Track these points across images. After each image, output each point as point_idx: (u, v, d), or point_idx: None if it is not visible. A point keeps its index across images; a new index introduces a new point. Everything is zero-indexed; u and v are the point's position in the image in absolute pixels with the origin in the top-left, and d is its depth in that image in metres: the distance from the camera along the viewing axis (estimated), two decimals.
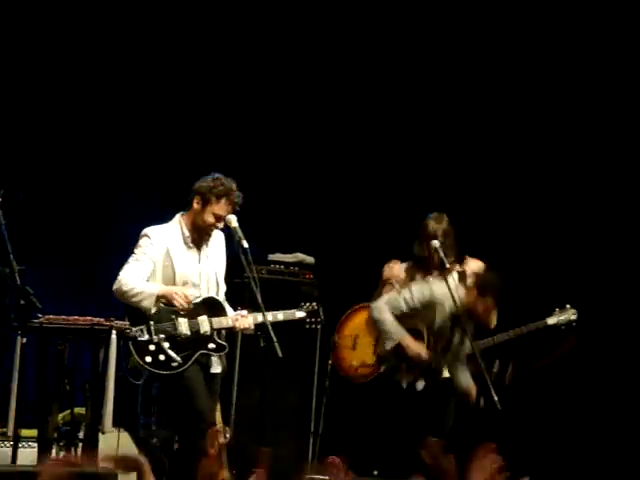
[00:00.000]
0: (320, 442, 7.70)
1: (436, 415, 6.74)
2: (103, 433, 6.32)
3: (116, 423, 6.47)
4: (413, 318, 6.84)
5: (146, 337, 5.99)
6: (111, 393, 5.91)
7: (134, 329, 5.99)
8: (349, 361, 7.06)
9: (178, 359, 6.03)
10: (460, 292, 6.66)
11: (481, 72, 8.61)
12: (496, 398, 6.54)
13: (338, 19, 8.69)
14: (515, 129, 8.55)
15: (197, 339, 6.12)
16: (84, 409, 6.21)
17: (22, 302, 5.66)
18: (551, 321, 6.86)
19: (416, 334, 6.83)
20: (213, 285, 6.30)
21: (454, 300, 6.55)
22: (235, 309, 6.39)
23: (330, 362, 7.43)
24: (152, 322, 6.02)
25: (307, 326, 6.56)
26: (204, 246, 6.27)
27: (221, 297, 6.34)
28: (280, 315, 6.38)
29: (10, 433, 5.81)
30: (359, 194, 8.61)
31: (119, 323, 6.00)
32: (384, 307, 6.86)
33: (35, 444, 6.12)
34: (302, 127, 8.75)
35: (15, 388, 5.67)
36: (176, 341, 6.05)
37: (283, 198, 8.64)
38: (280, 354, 6.02)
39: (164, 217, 6.46)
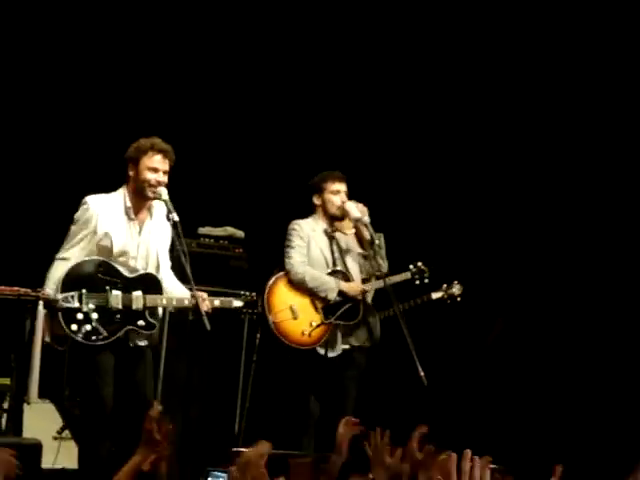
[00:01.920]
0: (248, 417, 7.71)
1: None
2: (28, 404, 6.28)
3: (42, 394, 6.44)
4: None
5: (76, 304, 5.90)
6: (37, 364, 5.86)
7: (65, 295, 5.89)
8: (298, 331, 6.93)
9: (104, 332, 5.96)
10: None
11: (474, 72, 8.66)
12: (422, 373, 6.62)
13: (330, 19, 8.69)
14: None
15: (127, 314, 6.04)
16: (9, 380, 6.16)
17: None
18: (436, 295, 7.12)
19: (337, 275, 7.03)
20: (153, 260, 6.20)
21: None
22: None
23: (258, 336, 7.41)
24: (85, 290, 5.93)
25: (242, 316, 6.54)
26: (147, 219, 6.20)
27: (163, 274, 6.25)
28: (217, 301, 6.32)
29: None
30: (289, 167, 8.60)
31: (47, 292, 5.94)
32: (298, 265, 6.94)
33: None
34: (234, 94, 8.73)
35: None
36: (105, 313, 5.99)
37: (213, 171, 8.62)
38: (208, 327, 6.01)
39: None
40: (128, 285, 6.07)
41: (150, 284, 6.12)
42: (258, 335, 7.45)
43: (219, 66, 8.72)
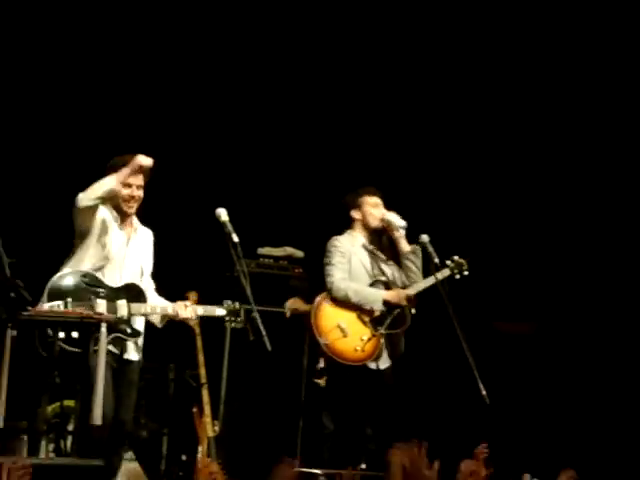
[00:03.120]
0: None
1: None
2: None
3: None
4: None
5: None
6: (101, 385, 5.89)
7: (51, 304, 5.96)
8: (351, 348, 6.92)
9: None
10: None
11: (473, 73, 8.67)
12: (484, 392, 6.58)
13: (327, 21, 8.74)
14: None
15: (113, 323, 6.06)
16: (73, 402, 6.23)
17: (12, 295, 5.66)
18: (442, 275, 6.99)
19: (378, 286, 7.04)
20: (137, 272, 6.31)
21: None
22: (174, 301, 6.38)
23: (321, 365, 7.39)
24: (70, 299, 6.00)
25: (226, 324, 6.54)
26: (133, 232, 6.33)
27: (145, 285, 6.32)
28: (200, 310, 6.37)
29: (0, 425, 5.81)
30: (348, 186, 8.63)
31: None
32: (339, 281, 6.95)
33: (25, 436, 6.13)
34: (294, 122, 8.78)
35: (4, 381, 5.66)
36: None
37: (273, 192, 8.67)
38: (269, 347, 6.03)
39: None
40: (112, 294, 6.14)
41: (134, 293, 6.20)
42: (321, 365, 7.45)
43: (280, 97, 8.80)
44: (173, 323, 6.46)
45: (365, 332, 6.95)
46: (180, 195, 8.64)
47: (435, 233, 7.03)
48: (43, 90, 8.38)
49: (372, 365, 6.92)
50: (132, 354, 6.24)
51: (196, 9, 8.68)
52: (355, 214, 7.15)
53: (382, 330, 6.94)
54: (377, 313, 6.96)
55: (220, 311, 6.46)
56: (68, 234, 7.77)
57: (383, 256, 7.15)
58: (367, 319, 6.97)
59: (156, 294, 6.44)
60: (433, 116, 8.79)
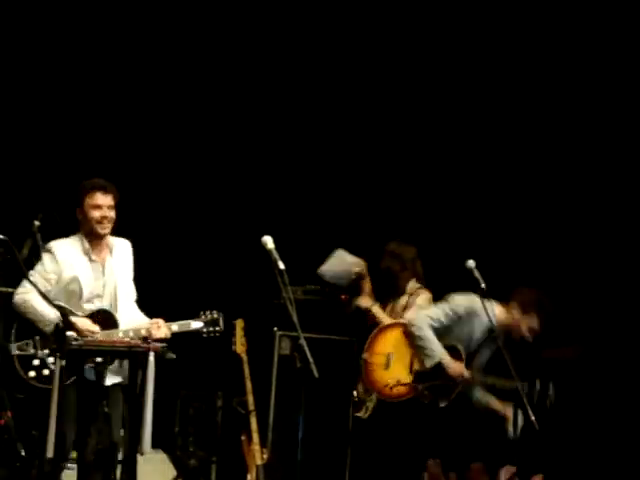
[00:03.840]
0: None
1: (454, 434, 6.78)
2: (142, 454, 6.35)
3: (154, 444, 6.50)
4: (450, 333, 6.87)
5: (31, 351, 5.96)
6: (149, 415, 5.91)
7: (19, 343, 5.95)
8: (383, 381, 6.95)
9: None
10: (495, 309, 6.70)
11: (471, 75, 8.68)
12: (534, 417, 6.52)
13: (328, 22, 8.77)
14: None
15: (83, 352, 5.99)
16: (122, 431, 6.24)
17: (60, 325, 5.70)
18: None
19: (451, 351, 6.90)
20: (112, 298, 6.26)
21: (489, 316, 6.58)
22: (150, 318, 6.31)
23: (357, 397, 7.39)
24: (38, 337, 5.99)
25: (205, 335, 6.43)
26: (108, 257, 6.29)
27: (124, 307, 6.27)
28: (174, 326, 6.27)
29: (50, 455, 5.83)
30: (395, 219, 8.65)
31: (157, 345, 6.02)
32: (424, 322, 6.89)
33: (74, 466, 6.16)
34: (344, 152, 8.84)
35: (54, 410, 5.69)
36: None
37: (319, 220, 8.69)
38: (316, 375, 6.01)
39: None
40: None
41: (104, 320, 6.15)
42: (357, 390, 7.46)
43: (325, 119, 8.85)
44: (220, 351, 6.46)
45: (405, 377, 6.94)
46: (227, 223, 8.68)
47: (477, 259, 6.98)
48: (61, 109, 8.48)
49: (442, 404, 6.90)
50: (112, 378, 6.13)
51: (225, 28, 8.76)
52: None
53: (419, 388, 6.89)
54: (427, 368, 6.88)
55: (196, 324, 6.36)
56: None
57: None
58: (415, 368, 6.93)
59: (135, 308, 6.37)
60: (473, 146, 8.78)
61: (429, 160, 8.86)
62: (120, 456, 6.19)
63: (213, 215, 8.75)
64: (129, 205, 6.45)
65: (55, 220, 7.04)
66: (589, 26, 8.30)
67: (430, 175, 8.86)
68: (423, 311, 7.01)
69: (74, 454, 6.14)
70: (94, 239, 6.25)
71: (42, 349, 6.01)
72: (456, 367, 6.85)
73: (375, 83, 8.84)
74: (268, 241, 6.22)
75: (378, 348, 6.99)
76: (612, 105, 8.42)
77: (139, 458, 6.24)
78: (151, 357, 5.91)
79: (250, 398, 7.23)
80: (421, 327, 6.88)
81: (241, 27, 8.80)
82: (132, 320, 6.29)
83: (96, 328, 6.05)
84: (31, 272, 6.11)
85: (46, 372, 5.99)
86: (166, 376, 6.16)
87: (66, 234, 6.34)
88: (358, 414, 7.54)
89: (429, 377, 6.88)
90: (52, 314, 5.90)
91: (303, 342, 6.11)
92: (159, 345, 6.01)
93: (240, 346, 7.18)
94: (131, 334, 6.15)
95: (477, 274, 6.80)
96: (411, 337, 6.90)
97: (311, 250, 8.45)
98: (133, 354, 5.96)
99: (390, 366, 6.92)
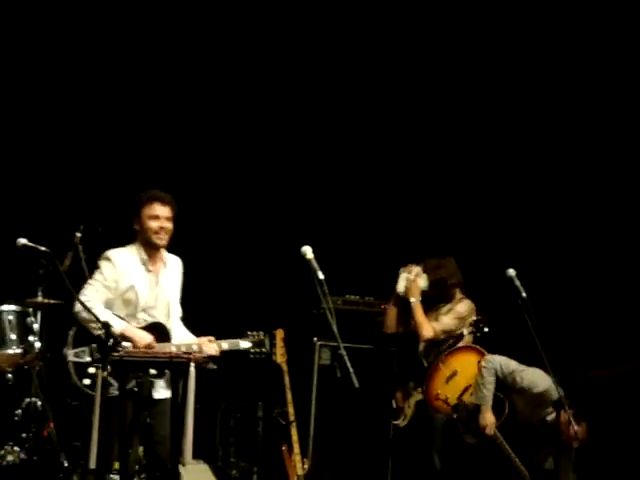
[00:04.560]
0: None
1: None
2: (184, 465, 6.37)
3: (196, 455, 6.52)
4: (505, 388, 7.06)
5: (87, 359, 5.95)
6: (191, 425, 5.93)
7: (75, 350, 5.96)
8: (436, 389, 7.13)
9: (114, 383, 5.88)
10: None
11: (476, 75, 8.67)
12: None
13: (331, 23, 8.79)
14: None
15: (137, 364, 5.99)
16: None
17: (102, 335, 5.73)
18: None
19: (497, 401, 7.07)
20: (165, 311, 6.28)
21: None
22: (198, 336, 6.33)
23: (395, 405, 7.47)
24: (94, 345, 5.97)
25: (252, 356, 6.46)
26: (162, 269, 6.31)
27: (173, 323, 6.30)
28: (224, 344, 6.29)
29: (92, 466, 5.86)
30: (431, 230, 8.65)
31: (198, 355, 6.03)
32: (496, 366, 7.07)
33: (117, 477, 6.18)
34: (384, 166, 8.87)
35: (97, 421, 5.71)
36: (116, 365, 5.88)
37: (358, 231, 8.71)
38: (357, 384, 6.00)
39: None
40: None
41: (159, 333, 6.17)
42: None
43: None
44: (261, 362, 6.47)
45: (453, 396, 7.09)
46: (267, 234, 8.70)
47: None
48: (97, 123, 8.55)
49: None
50: (161, 393, 6.16)
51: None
52: None
53: (453, 415, 7.07)
54: (472, 402, 6.99)
55: (245, 344, 6.39)
56: None
57: None
58: (468, 398, 7.06)
59: (182, 325, 6.41)
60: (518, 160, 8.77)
61: (465, 173, 8.86)
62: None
63: (253, 225, 8.78)
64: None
65: (96, 231, 7.08)
66: (589, 26, 8.27)
67: (466, 186, 8.85)
68: (504, 358, 7.15)
69: (116, 465, 6.16)
70: (150, 250, 6.28)
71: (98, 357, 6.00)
72: (488, 420, 7.02)
73: (402, 97, 8.86)
74: (307, 251, 6.22)
75: (453, 362, 7.23)
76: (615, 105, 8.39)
77: (181, 469, 6.26)
78: (192, 368, 5.93)
79: (291, 408, 7.23)
80: (490, 370, 7.06)
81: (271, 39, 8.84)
82: (180, 336, 6.34)
83: (153, 342, 6.06)
84: (90, 281, 6.14)
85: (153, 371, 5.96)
86: (207, 387, 6.18)
87: (107, 246, 6.38)
88: (396, 422, 7.57)
89: (467, 412, 7.01)
90: (118, 324, 5.96)
91: (343, 352, 6.11)
92: (200, 356, 6.03)
93: (280, 356, 7.20)
94: (183, 349, 6.17)
95: (517, 282, 6.78)
96: (479, 372, 7.09)
97: (351, 260, 8.46)
98: (174, 365, 5.97)
99: (449, 382, 7.02)
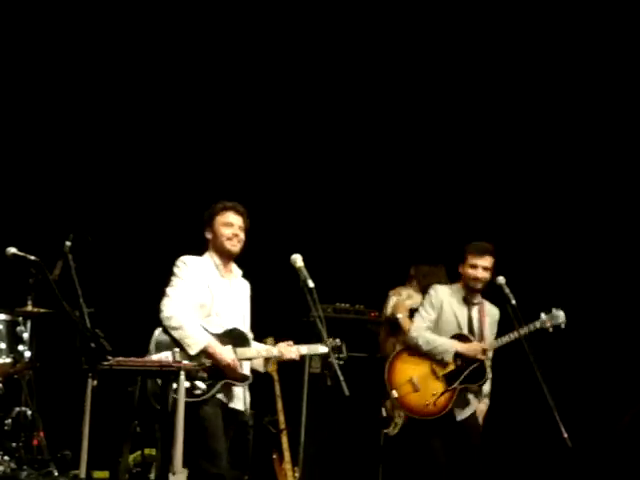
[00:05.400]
0: None
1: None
2: (174, 474, 6.36)
3: (186, 463, 6.51)
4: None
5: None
6: (181, 433, 5.91)
7: (159, 355, 5.95)
8: (421, 403, 6.93)
9: (203, 386, 5.99)
10: None
11: (479, 74, 8.68)
12: (566, 435, 6.49)
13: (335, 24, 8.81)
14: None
15: (220, 369, 6.07)
16: (154, 450, 6.26)
17: (92, 345, 5.72)
18: (539, 324, 6.86)
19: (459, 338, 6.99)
20: (240, 317, 6.31)
21: None
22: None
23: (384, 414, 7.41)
24: (177, 350, 6.00)
25: (330, 361, 6.46)
26: (233, 278, 6.34)
27: (246, 329, 6.32)
28: (303, 349, 6.33)
29: (83, 475, 5.86)
30: (420, 238, 8.66)
31: (188, 364, 6.03)
32: (420, 328, 6.97)
33: None
34: (371, 174, 8.88)
35: (86, 430, 5.72)
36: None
37: (348, 239, 8.71)
38: (347, 393, 6.01)
39: None
40: (218, 340, 6.11)
41: (238, 338, 6.18)
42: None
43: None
44: (251, 370, 6.47)
45: (437, 387, 6.92)
46: (256, 242, 8.69)
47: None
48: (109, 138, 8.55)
49: (458, 416, 6.90)
50: (238, 404, 6.19)
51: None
52: (460, 269, 7.07)
53: (456, 385, 6.89)
54: (452, 367, 6.90)
55: (323, 349, 6.40)
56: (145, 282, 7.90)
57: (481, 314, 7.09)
58: (441, 374, 6.93)
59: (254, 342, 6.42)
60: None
61: (455, 180, 8.88)
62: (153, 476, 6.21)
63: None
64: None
65: (86, 240, 7.07)
66: (589, 26, 8.30)
67: (456, 193, 8.87)
68: (415, 320, 7.05)
69: (106, 473, 6.16)
70: (223, 257, 6.30)
71: (182, 361, 5.95)
72: (471, 347, 6.91)
73: (411, 102, 8.88)
74: (297, 259, 6.24)
75: (399, 380, 7.02)
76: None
77: (171, 477, 6.25)
78: (182, 377, 5.93)
79: (281, 417, 7.23)
80: (419, 334, 6.96)
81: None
82: (253, 344, 6.34)
83: (234, 362, 6.04)
84: (172, 285, 6.13)
85: (186, 384, 5.90)
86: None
87: (98, 255, 6.37)
88: (386, 431, 7.55)
89: (458, 372, 6.87)
90: (201, 335, 5.97)
91: (333, 360, 6.12)
92: (191, 364, 6.03)
93: (271, 365, 7.19)
94: (264, 353, 6.24)
95: (507, 290, 6.81)
96: (418, 348, 6.96)
97: (340, 268, 8.47)
98: (164, 373, 5.97)
99: (419, 387, 6.91)
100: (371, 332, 7.96)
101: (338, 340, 6.46)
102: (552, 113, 8.71)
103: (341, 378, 6.02)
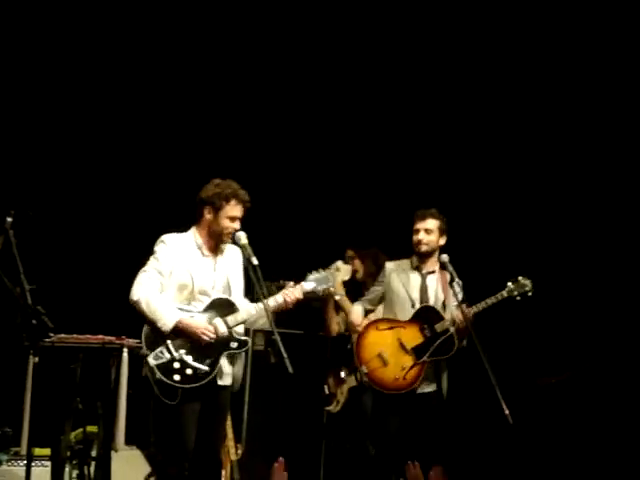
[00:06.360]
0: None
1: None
2: (116, 451, 6.34)
3: (128, 441, 6.48)
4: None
5: (167, 357, 5.90)
6: (123, 411, 5.92)
7: (153, 353, 5.88)
8: (391, 377, 6.86)
9: (205, 368, 5.95)
10: None
11: (476, 73, 8.70)
12: (507, 412, 6.54)
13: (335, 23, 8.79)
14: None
15: (218, 342, 6.03)
16: (96, 427, 6.23)
17: (34, 322, 5.67)
18: (506, 293, 6.81)
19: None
20: (226, 291, 6.22)
21: None
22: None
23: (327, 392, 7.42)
24: (169, 340, 5.94)
25: (273, 337, 6.38)
26: (219, 256, 6.25)
27: (234, 299, 6.23)
28: (307, 285, 6.34)
29: (23, 452, 5.82)
30: (374, 216, 8.67)
31: (130, 341, 6.01)
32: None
33: (48, 463, 6.14)
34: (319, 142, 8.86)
35: (28, 407, 5.68)
36: (198, 351, 6.00)
37: (293, 216, 8.71)
38: (291, 370, 6.01)
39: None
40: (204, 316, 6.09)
41: (222, 307, 6.12)
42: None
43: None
44: None
45: (406, 360, 6.90)
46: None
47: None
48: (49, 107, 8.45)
49: (419, 389, 6.89)
50: (225, 379, 6.12)
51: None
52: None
53: (425, 357, 6.90)
54: (420, 339, 6.88)
55: (309, 285, 6.36)
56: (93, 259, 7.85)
57: (431, 283, 7.09)
58: (409, 347, 6.93)
59: (247, 301, 6.30)
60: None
61: (408, 161, 8.89)
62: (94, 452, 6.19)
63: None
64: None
65: (28, 216, 6.99)
66: (589, 25, 8.33)
67: (407, 176, 8.88)
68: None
69: (47, 450, 6.12)
70: (211, 239, 6.19)
71: (177, 350, 5.93)
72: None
73: (371, 103, 8.88)
74: (242, 236, 6.21)
75: (367, 355, 6.96)
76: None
77: (113, 454, 6.23)
78: (125, 354, 5.91)
79: None
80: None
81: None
82: (245, 306, 6.20)
83: (209, 328, 5.98)
84: (145, 268, 6.02)
85: (189, 371, 5.90)
86: (140, 373, 6.14)
87: (40, 231, 6.30)
88: (329, 408, 7.55)
89: (427, 345, 6.86)
90: (171, 314, 5.89)
91: (277, 337, 6.11)
92: (132, 341, 6.01)
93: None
94: (253, 312, 6.09)
95: (451, 268, 6.83)
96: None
97: (285, 246, 8.46)
98: (106, 350, 5.95)
99: (387, 361, 6.89)
100: (316, 309, 7.96)
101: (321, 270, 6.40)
102: (542, 113, 8.69)
103: (285, 355, 6.01)
